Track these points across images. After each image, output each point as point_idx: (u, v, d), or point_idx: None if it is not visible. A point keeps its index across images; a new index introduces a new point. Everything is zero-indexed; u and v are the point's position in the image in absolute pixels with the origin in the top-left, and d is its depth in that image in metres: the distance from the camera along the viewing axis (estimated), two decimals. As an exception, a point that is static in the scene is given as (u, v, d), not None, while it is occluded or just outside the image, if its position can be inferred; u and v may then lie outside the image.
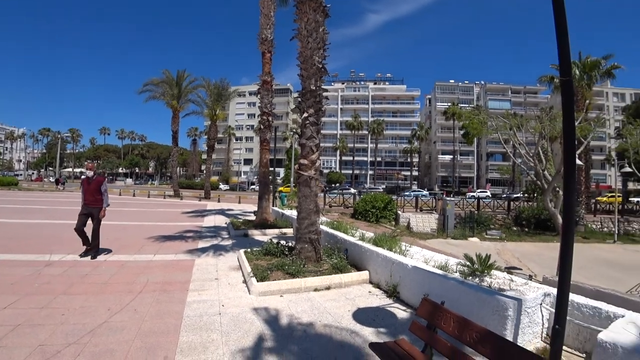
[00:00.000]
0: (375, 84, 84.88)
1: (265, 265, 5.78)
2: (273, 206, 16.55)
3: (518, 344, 3.38)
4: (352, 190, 41.06)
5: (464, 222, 22.39)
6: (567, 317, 3.28)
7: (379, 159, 73.73)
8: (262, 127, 12.77)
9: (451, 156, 69.42)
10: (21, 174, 77.89)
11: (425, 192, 43.90)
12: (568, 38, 2.75)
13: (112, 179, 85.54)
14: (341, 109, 79.21)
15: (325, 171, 69.88)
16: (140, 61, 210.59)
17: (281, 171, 66.22)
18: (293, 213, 11.39)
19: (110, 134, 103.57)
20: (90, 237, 6.87)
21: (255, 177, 54.44)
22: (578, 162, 21.10)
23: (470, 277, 4.21)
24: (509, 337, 3.37)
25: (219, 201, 28.11)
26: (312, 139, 6.25)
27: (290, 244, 6.88)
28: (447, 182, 69.82)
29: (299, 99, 6.51)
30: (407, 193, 38.06)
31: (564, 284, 2.81)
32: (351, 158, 72.36)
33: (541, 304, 3.71)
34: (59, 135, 69.46)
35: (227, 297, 4.86)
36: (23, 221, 12.07)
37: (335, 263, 5.88)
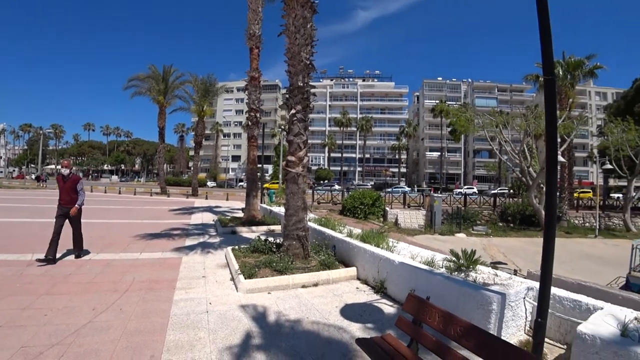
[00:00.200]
0: (364, 80, 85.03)
1: (253, 262, 5.76)
2: (261, 203, 16.50)
3: (502, 337, 3.46)
4: (337, 187, 42.23)
5: (451, 218, 22.66)
6: (549, 310, 3.37)
7: (367, 155, 74.01)
8: (249, 123, 12.69)
9: (439, 153, 70.11)
10: (1, 171, 75.76)
11: (406, 189, 44.40)
12: (551, 38, 2.81)
13: (97, 176, 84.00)
14: (330, 105, 79.14)
15: (314, 168, 69.88)
16: (126, 56, 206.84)
17: (269, 168, 65.91)
18: (281, 210, 11.37)
19: (95, 130, 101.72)
20: (74, 241, 6.61)
21: (244, 174, 54.07)
22: (561, 159, 21.60)
23: (456, 273, 4.27)
24: (493, 331, 3.44)
25: (206, 198, 27.87)
26: (300, 136, 6.25)
27: (278, 241, 6.88)
28: (434, 179, 70.61)
29: (287, 96, 6.49)
30: (389, 190, 38.55)
31: (545, 278, 2.89)
32: (340, 155, 72.50)
33: (524, 298, 3.80)
34: (40, 131, 67.88)
35: (215, 294, 4.84)
36: (4, 220, 11.77)
37: (323, 259, 5.90)
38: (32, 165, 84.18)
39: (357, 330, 3.79)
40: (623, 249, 14.83)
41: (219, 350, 3.26)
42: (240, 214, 13.98)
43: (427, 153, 74.34)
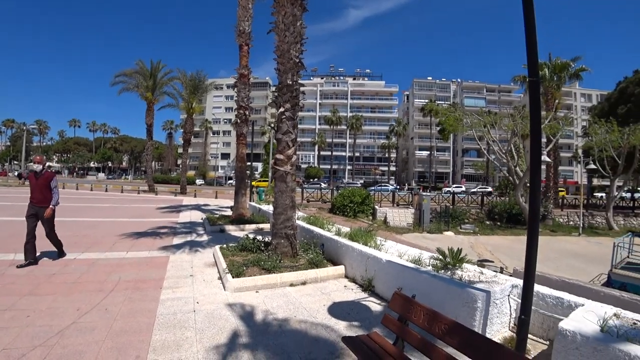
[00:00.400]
0: (354, 79, 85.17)
1: (241, 261, 5.74)
2: (250, 201, 16.43)
3: (487, 333, 3.53)
4: (323, 185, 43.71)
5: (439, 217, 22.90)
6: (533, 307, 3.45)
7: (357, 154, 74.20)
8: (238, 121, 12.60)
9: (428, 152, 70.71)
10: (-17, 168, 73.86)
11: (390, 187, 44.76)
12: (536, 41, 2.86)
13: (83, 173, 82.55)
14: (320, 103, 79.07)
15: (304, 166, 69.86)
16: (113, 52, 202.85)
17: (259, 166, 65.71)
18: (270, 208, 11.34)
19: (81, 126, 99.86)
20: (53, 244, 6.31)
21: (233, 171, 53.75)
22: (547, 158, 21.99)
23: (443, 271, 4.33)
24: (478, 328, 3.50)
25: (195, 196, 27.66)
26: (289, 134, 6.23)
27: (266, 240, 6.86)
28: (424, 178, 71.17)
29: (276, 94, 6.47)
30: (372, 188, 38.87)
31: (529, 276, 2.95)
32: (329, 153, 72.49)
33: (509, 295, 3.87)
34: (24, 127, 66.08)
35: (202, 294, 4.81)
36: (-15, 218, 11.48)
37: (311, 258, 5.91)
38: (15, 162, 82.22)
39: (344, 328, 3.81)
40: (605, 246, 15.18)
41: (205, 349, 3.24)
42: (229, 212, 13.90)
43: (416, 152, 74.88)
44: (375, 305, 4.56)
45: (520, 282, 3.86)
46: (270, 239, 6.58)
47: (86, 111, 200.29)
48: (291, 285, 5.20)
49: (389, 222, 22.09)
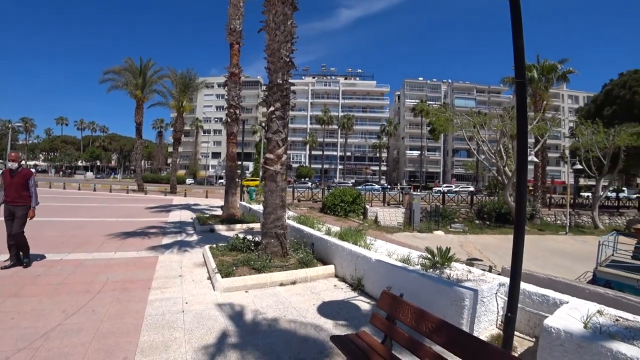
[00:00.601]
0: (346, 79, 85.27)
1: (231, 261, 5.72)
2: (241, 201, 16.36)
3: (475, 331, 3.57)
4: (309, 185, 44.49)
5: (429, 216, 23.07)
6: (519, 305, 3.49)
7: (348, 153, 74.33)
8: (229, 120, 12.53)
9: (419, 152, 71.21)
10: (-34, 167, 72.13)
11: (377, 187, 44.92)
12: (523, 44, 2.90)
13: (70, 172, 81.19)
14: (311, 103, 79.01)
15: (295, 165, 69.77)
16: (102, 49, 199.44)
17: (250, 165, 65.41)
18: (261, 208, 11.29)
19: (69, 124, 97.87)
20: (19, 245, 5.79)
21: (224, 171, 53.42)
22: (534, 159, 22.32)
23: (431, 270, 4.36)
24: (466, 326, 3.54)
25: (185, 196, 27.43)
26: (279, 133, 6.22)
27: (256, 239, 6.85)
28: (414, 177, 71.63)
29: (266, 93, 6.45)
30: (359, 187, 39.08)
31: (515, 274, 2.99)
32: (321, 152, 72.49)
33: (496, 294, 3.92)
34: (9, 125, 64.82)
35: (191, 294, 4.78)
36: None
37: (301, 257, 5.91)
38: (0, 160, 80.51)
39: (333, 327, 3.82)
40: (591, 245, 15.45)
41: (194, 350, 3.23)
42: (220, 212, 13.83)
43: (407, 152, 75.32)
44: (364, 305, 4.58)
45: (507, 280, 3.91)
46: (260, 238, 6.56)
47: (74, 109, 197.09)
48: (281, 284, 5.19)
49: (379, 222, 22.18)
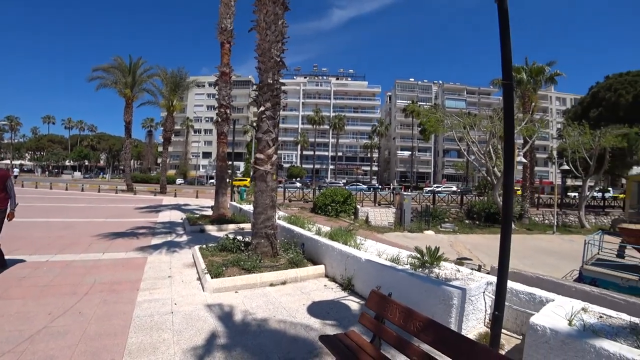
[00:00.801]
0: (337, 79, 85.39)
1: (221, 261, 5.69)
2: (232, 201, 16.28)
3: (463, 330, 3.61)
4: (298, 185, 45.11)
5: (420, 216, 23.23)
6: (506, 303, 3.55)
7: (339, 153, 74.48)
8: (219, 119, 12.47)
9: (410, 152, 71.72)
10: (-51, 166, 70.22)
11: (363, 186, 45.13)
12: (510, 47, 2.95)
13: (57, 172, 79.79)
14: (303, 103, 78.97)
15: (286, 165, 69.69)
16: (91, 47, 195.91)
17: (241, 165, 65.13)
18: (251, 208, 11.27)
19: (56, 123, 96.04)
20: None
21: (214, 171, 53.11)
22: (523, 159, 22.68)
23: (420, 269, 4.40)
24: (455, 324, 3.58)
25: (175, 196, 27.18)
26: (269, 133, 6.21)
27: (247, 239, 6.83)
28: (405, 177, 72.16)
29: (256, 93, 6.43)
30: (346, 187, 39.29)
31: (502, 273, 3.04)
32: (312, 152, 72.53)
33: (484, 292, 3.97)
34: (-6, 124, 63.43)
35: (180, 295, 4.75)
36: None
37: (291, 258, 5.91)
38: (-14, 159, 78.83)
39: (323, 327, 3.83)
40: (577, 244, 15.71)
41: (183, 351, 3.20)
42: (210, 212, 13.74)
43: (398, 152, 75.78)
44: (354, 304, 4.60)
45: (495, 279, 3.97)
46: (250, 238, 6.53)
47: (61, 107, 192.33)
48: (271, 285, 5.18)
49: (370, 222, 22.26)
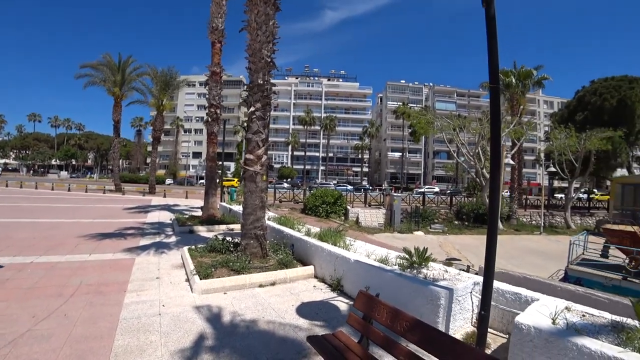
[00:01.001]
0: (329, 80, 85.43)
1: (210, 262, 5.66)
2: (221, 201, 16.18)
3: (450, 329, 3.66)
4: (285, 185, 45.51)
5: (410, 217, 23.38)
6: (493, 303, 3.61)
7: (330, 154, 74.47)
8: (209, 119, 12.40)
9: (400, 153, 72.13)
10: None
11: (349, 188, 45.35)
12: (497, 50, 3.00)
13: (43, 171, 78.24)
14: (294, 103, 78.81)
15: (277, 166, 69.47)
16: (80, 44, 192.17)
17: (231, 165, 64.72)
18: (241, 208, 11.24)
19: (42, 121, 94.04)
20: None
21: (204, 171, 52.71)
22: (511, 161, 23.00)
23: (409, 270, 4.44)
24: (442, 324, 3.62)
25: (164, 196, 26.92)
26: (259, 134, 6.19)
27: (236, 240, 6.80)
28: (396, 178, 72.53)
29: (247, 93, 6.42)
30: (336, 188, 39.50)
31: (488, 273, 3.08)
32: (303, 153, 72.46)
33: (471, 292, 4.03)
34: (-22, 122, 61.93)
35: (169, 296, 4.71)
36: None
37: (281, 258, 5.91)
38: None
39: (312, 328, 3.83)
40: (564, 244, 15.98)
41: (170, 353, 3.18)
42: (199, 213, 13.63)
43: (389, 153, 76.13)
44: (343, 305, 4.61)
45: (482, 279, 4.03)
46: (240, 239, 6.51)
47: (48, 105, 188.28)
48: (260, 286, 5.17)
49: (360, 223, 22.33)
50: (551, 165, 27.35)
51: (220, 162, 16.07)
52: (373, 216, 23.15)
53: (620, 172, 36.49)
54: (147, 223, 12.07)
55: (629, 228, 9.66)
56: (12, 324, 3.62)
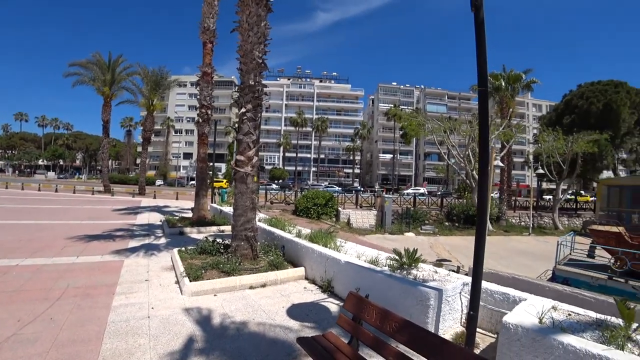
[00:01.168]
0: (321, 81, 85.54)
1: (200, 264, 5.62)
2: (212, 203, 16.08)
3: (440, 330, 3.69)
4: (274, 187, 45.62)
5: (401, 218, 23.49)
6: (482, 303, 3.65)
7: (322, 156, 74.53)
8: (200, 120, 12.32)
9: (391, 155, 72.47)
10: None
11: (337, 189, 45.54)
12: (486, 54, 3.05)
13: (30, 172, 76.83)
14: (286, 105, 78.72)
15: (268, 167, 69.29)
16: (69, 43, 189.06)
17: (223, 166, 64.34)
18: (232, 210, 11.19)
19: (29, 120, 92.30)
20: None
21: (195, 172, 52.30)
22: (500, 163, 23.27)
23: (398, 271, 4.46)
24: (431, 324, 3.65)
25: (154, 197, 26.66)
26: (250, 135, 6.18)
27: (227, 242, 6.76)
28: (387, 180, 72.83)
29: (237, 94, 6.40)
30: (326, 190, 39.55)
31: (477, 274, 3.12)
32: (294, 154, 72.40)
33: (460, 293, 4.06)
34: (-38, 122, 60.52)
35: (158, 299, 4.66)
36: None
37: (271, 260, 5.90)
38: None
39: (302, 329, 3.83)
40: (551, 245, 16.20)
41: (159, 356, 3.15)
42: (190, 214, 13.53)
43: (380, 155, 76.46)
44: (333, 306, 4.62)
45: (471, 280, 4.08)
46: (230, 241, 6.48)
47: (35, 104, 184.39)
48: (251, 287, 5.15)
49: (352, 224, 22.38)
50: (539, 167, 27.79)
51: (211, 163, 15.95)
52: (364, 217, 23.21)
53: (606, 174, 37.22)
54: (137, 225, 11.94)
55: (614, 229, 9.83)
56: (-3, 328, 3.55)
